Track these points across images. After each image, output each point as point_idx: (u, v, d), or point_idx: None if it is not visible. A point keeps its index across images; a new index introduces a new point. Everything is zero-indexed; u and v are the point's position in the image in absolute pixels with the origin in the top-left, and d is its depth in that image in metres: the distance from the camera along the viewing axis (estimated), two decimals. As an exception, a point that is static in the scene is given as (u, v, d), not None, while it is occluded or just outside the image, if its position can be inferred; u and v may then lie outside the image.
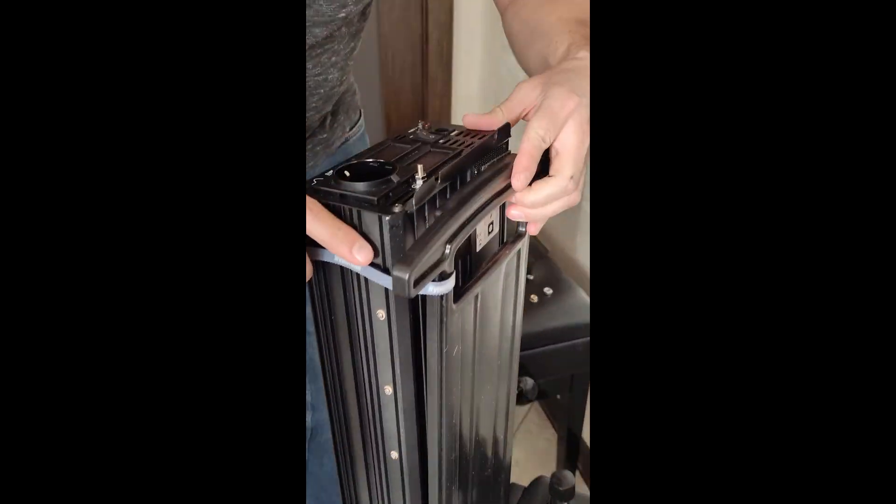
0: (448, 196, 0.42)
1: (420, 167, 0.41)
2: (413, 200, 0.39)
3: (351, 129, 0.77)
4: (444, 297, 0.41)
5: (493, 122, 0.48)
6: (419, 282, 0.36)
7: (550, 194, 0.45)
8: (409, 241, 0.40)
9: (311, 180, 0.42)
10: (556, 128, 0.44)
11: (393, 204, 0.39)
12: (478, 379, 0.51)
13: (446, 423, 0.47)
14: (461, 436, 0.51)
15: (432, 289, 0.40)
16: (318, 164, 0.72)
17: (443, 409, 0.46)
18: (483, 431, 0.56)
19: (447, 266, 0.39)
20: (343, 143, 0.75)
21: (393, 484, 0.51)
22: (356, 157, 0.46)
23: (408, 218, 0.39)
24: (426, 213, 0.41)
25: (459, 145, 0.46)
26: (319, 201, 0.39)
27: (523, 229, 0.51)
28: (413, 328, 0.43)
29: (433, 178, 0.41)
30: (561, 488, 0.67)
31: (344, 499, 0.55)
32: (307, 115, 0.65)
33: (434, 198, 0.41)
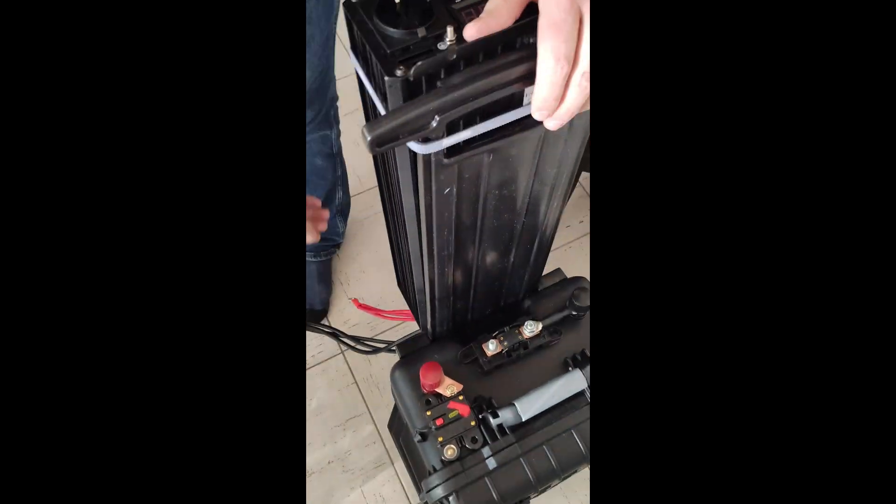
0: (462, 68, 0.43)
1: (451, 29, 0.42)
2: (413, 71, 0.41)
3: None
4: (432, 154, 0.46)
5: (499, 25, 0.42)
6: (384, 144, 0.41)
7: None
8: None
9: None
10: (568, 38, 0.39)
11: (402, 63, 0.42)
12: (490, 208, 0.57)
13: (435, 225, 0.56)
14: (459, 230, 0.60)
15: (416, 147, 0.45)
16: None
17: (432, 215, 0.54)
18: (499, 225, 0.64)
19: (432, 133, 0.43)
20: None
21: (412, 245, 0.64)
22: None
23: (412, 81, 0.42)
24: (441, 76, 0.43)
25: None
26: (350, 22, 0.43)
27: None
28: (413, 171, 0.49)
29: (451, 47, 0.41)
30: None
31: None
32: None
33: (453, 63, 0.43)
